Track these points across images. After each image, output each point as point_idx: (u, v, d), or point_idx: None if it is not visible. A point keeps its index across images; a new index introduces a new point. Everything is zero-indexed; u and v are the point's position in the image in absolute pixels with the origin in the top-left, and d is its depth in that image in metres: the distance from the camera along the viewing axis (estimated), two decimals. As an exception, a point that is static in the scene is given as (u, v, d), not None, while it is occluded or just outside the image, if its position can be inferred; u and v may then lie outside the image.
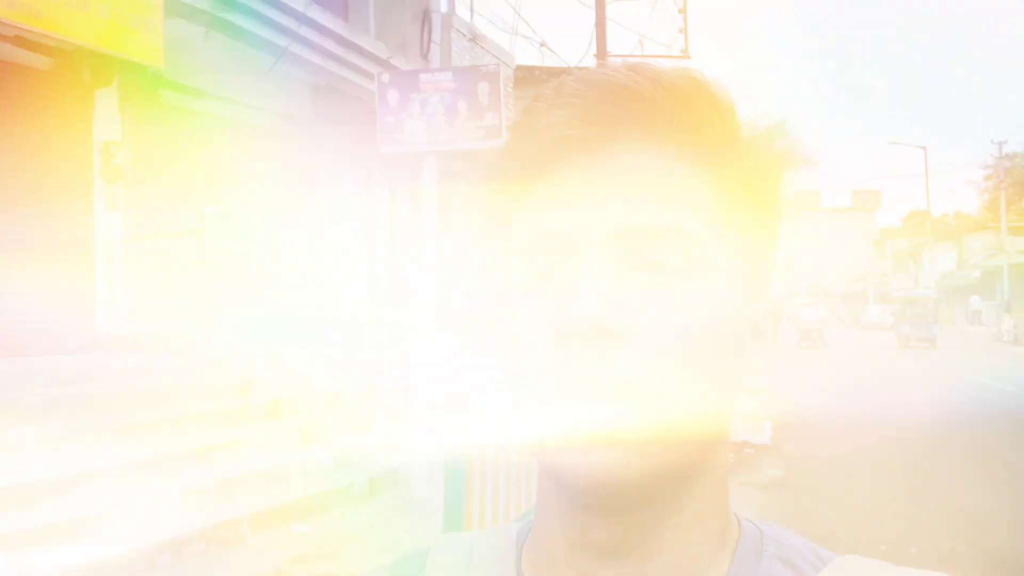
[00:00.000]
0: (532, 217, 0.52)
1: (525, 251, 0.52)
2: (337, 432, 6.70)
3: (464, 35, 12.49)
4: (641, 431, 0.47)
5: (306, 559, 4.74)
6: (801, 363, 21.04)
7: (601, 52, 13.27)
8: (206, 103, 8.54)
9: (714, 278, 0.50)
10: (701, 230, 0.50)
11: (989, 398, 13.51)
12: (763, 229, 0.55)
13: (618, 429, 0.46)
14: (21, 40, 6.64)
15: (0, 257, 6.81)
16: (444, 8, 11.26)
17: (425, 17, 6.48)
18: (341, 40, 8.53)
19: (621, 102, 0.50)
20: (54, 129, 7.28)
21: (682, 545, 0.52)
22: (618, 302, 0.48)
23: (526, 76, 13.74)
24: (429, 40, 6.38)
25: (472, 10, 12.80)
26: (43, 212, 7.16)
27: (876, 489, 7.15)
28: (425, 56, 6.57)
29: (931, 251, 49.55)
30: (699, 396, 0.49)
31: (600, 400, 0.47)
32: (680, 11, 14.12)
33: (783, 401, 14.22)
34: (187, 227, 7.59)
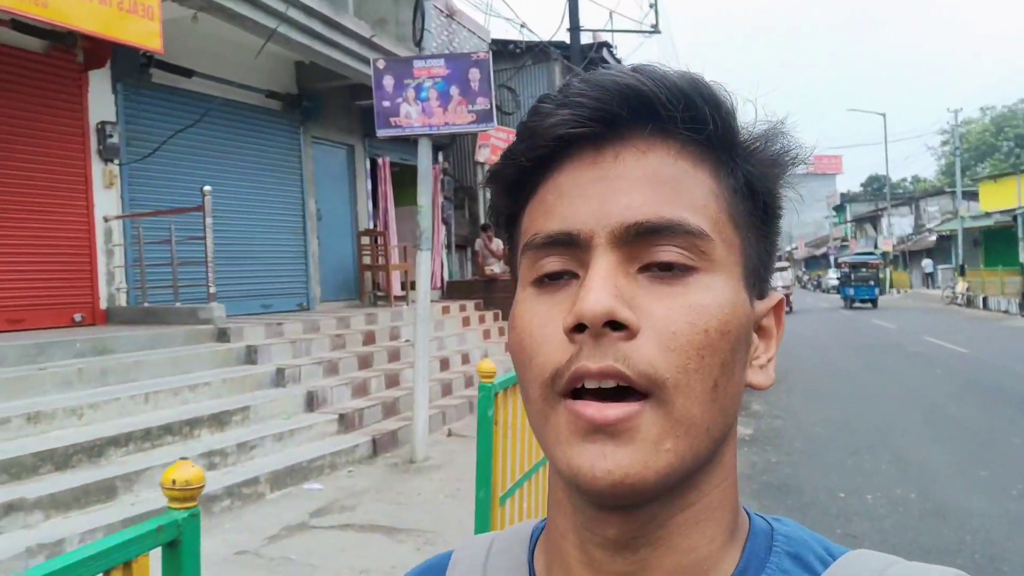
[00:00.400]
0: (541, 218, 0.53)
1: (535, 247, 0.53)
2: (338, 398, 7.10)
3: (441, 11, 12.72)
4: (653, 429, 0.47)
5: (325, 512, 5.16)
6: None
7: (573, 26, 13.57)
8: (195, 82, 8.74)
9: (719, 276, 0.51)
10: (705, 228, 0.51)
11: (940, 358, 14.26)
12: (762, 229, 0.56)
13: (632, 428, 0.47)
14: (17, 23, 6.82)
15: (3, 237, 7.04)
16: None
17: (418, 5, 6.72)
18: (327, 21, 8.75)
19: (626, 102, 0.50)
20: (49, 110, 7.46)
21: (692, 538, 0.52)
22: (628, 297, 0.48)
23: (501, 51, 14.00)
24: (422, 28, 6.66)
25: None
26: (41, 192, 7.37)
27: (836, 444, 7.74)
28: (418, 44, 6.84)
29: (889, 216, 50.69)
30: (708, 391, 0.49)
31: (613, 405, 0.47)
32: (651, 5, 14.35)
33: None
34: (186, 204, 7.85)
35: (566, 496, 0.54)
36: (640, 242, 0.50)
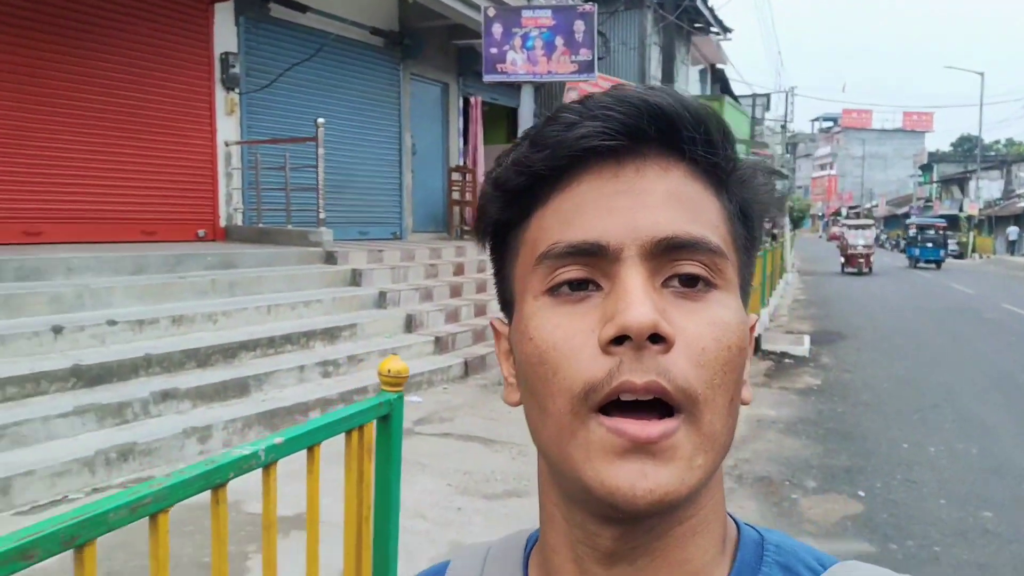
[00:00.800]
0: (559, 228, 0.52)
1: (555, 256, 0.52)
2: (433, 322, 7.69)
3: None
4: (688, 446, 0.48)
5: (426, 421, 5.77)
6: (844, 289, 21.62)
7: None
8: (308, 17, 9.23)
9: (731, 293, 0.53)
10: (721, 246, 0.52)
11: (1015, 326, 14.16)
12: (749, 255, 0.57)
13: (672, 446, 0.47)
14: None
15: (135, 151, 7.74)
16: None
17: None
18: (434, -40, 9.08)
19: (654, 120, 0.51)
20: (179, 40, 8.07)
21: (688, 550, 0.53)
22: (660, 311, 0.48)
23: None
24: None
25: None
26: (173, 116, 8.04)
27: (903, 400, 8.00)
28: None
29: (978, 178, 48.79)
30: (727, 406, 0.50)
31: (656, 422, 0.47)
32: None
33: (821, 317, 15.06)
34: (295, 134, 8.43)
35: (560, 511, 0.54)
36: (665, 257, 0.50)
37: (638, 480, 0.47)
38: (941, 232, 33.22)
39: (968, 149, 66.40)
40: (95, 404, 4.57)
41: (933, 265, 32.03)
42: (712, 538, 0.54)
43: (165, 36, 7.89)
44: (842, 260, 28.09)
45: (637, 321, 0.46)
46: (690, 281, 0.51)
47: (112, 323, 5.32)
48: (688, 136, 0.52)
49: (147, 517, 1.29)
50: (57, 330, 5.00)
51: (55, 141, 7.14)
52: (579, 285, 0.51)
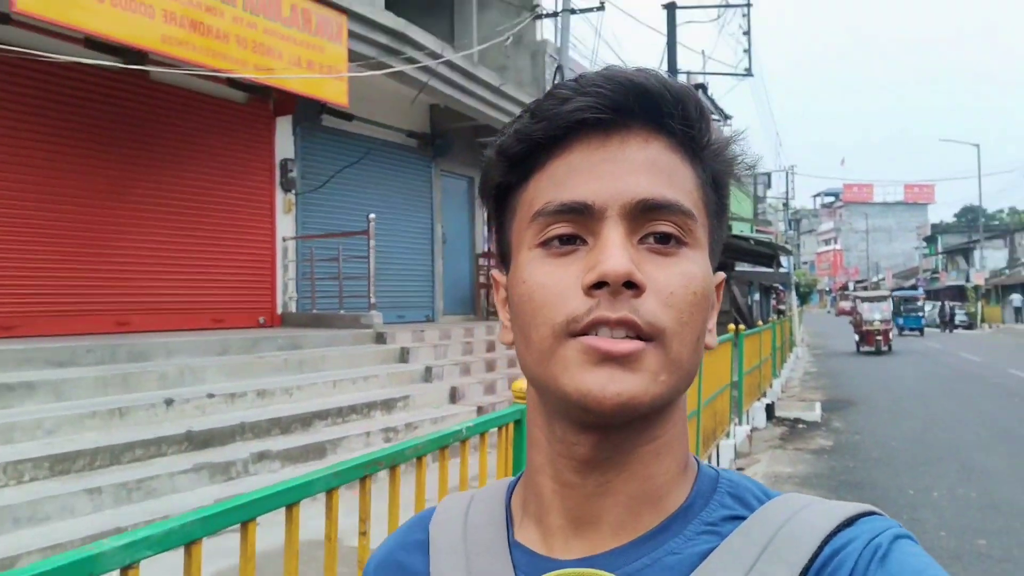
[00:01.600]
0: (552, 189, 0.59)
1: (547, 214, 0.59)
2: (473, 394, 8.48)
3: (554, 58, 14.17)
4: (654, 364, 0.56)
5: (475, 479, 6.50)
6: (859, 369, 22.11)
7: (671, 69, 14.77)
8: (354, 124, 10.36)
9: (700, 251, 0.60)
10: (692, 210, 0.59)
11: (1021, 389, 14.78)
12: (719, 219, 0.65)
13: (638, 360, 0.55)
14: (230, 81, 8.51)
15: (207, 249, 8.72)
16: (539, 37, 12.99)
17: (558, 71, 8.10)
18: (466, 73, 10.25)
19: (638, 97, 0.58)
20: (246, 149, 9.15)
21: (652, 467, 0.60)
22: (636, 263, 0.56)
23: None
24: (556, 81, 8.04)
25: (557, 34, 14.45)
26: (239, 216, 9.06)
27: (909, 455, 8.67)
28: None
29: (982, 248, 49.73)
30: (695, 341, 0.58)
31: (626, 341, 0.55)
32: (745, 33, 15.49)
33: (832, 387, 15.69)
34: (341, 229, 9.42)
35: (543, 433, 0.62)
36: (643, 217, 0.58)
37: (608, 383, 0.54)
38: (920, 303, 36.66)
39: (971, 219, 67.56)
40: (207, 463, 5.36)
41: (916, 332, 34.66)
42: (674, 461, 0.61)
43: (235, 147, 8.97)
44: (856, 337, 25.88)
45: (614, 270, 0.54)
46: (663, 238, 0.58)
47: (211, 396, 6.15)
48: (668, 112, 0.59)
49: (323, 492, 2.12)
50: (168, 402, 5.83)
51: (142, 241, 8.12)
52: (568, 240, 0.58)
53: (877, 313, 25.02)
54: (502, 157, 0.62)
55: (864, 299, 26.52)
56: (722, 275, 0.66)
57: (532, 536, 0.64)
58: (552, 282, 0.57)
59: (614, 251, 0.55)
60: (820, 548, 0.55)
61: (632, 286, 0.55)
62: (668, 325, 0.56)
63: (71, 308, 7.52)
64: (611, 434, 0.59)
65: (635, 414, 0.56)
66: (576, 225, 0.58)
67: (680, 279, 0.57)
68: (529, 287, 0.59)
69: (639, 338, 0.55)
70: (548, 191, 0.59)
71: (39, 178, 7.29)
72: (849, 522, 0.56)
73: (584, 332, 0.55)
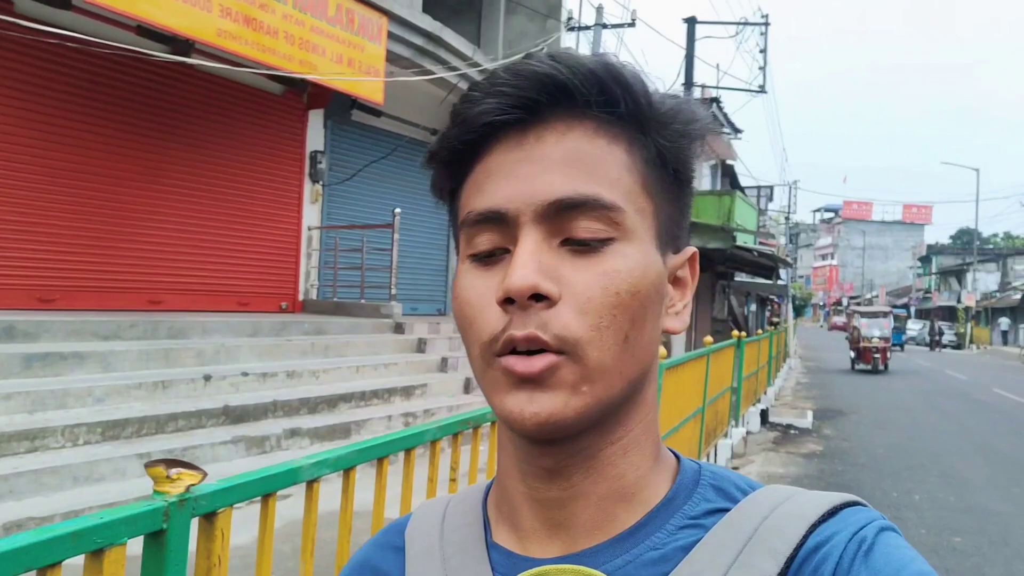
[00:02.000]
0: (474, 196, 0.58)
1: (469, 224, 0.58)
2: (486, 385, 8.87)
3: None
4: (571, 376, 0.54)
5: (478, 467, 6.90)
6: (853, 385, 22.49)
7: (687, 82, 15.18)
8: (382, 120, 10.74)
9: (631, 243, 0.57)
10: (618, 199, 0.56)
11: (1003, 407, 15.25)
12: (675, 191, 0.62)
13: (552, 376, 0.54)
14: (272, 77, 8.89)
15: (236, 234, 9.09)
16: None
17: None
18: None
19: (544, 89, 0.56)
20: (279, 139, 9.54)
21: (619, 467, 0.59)
22: (550, 271, 0.54)
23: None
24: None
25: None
26: (268, 204, 9.44)
27: (893, 461, 9.10)
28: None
29: (975, 271, 50.34)
30: (620, 343, 0.55)
31: (537, 358, 0.54)
32: (761, 51, 15.89)
33: (822, 397, 16.14)
34: (363, 221, 9.81)
35: (508, 438, 0.61)
36: (561, 217, 0.55)
37: (526, 405, 0.54)
38: (904, 320, 38.99)
39: (967, 242, 68.18)
40: (243, 436, 5.75)
41: (897, 348, 34.73)
42: (643, 456, 0.61)
43: (268, 137, 9.35)
44: (852, 354, 24.16)
45: (516, 285, 0.53)
46: (581, 239, 0.56)
47: (245, 374, 6.54)
48: (583, 98, 0.56)
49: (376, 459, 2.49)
50: (207, 378, 6.22)
51: (175, 223, 8.49)
52: (492, 251, 0.57)
53: (876, 330, 23.34)
54: (434, 161, 0.62)
55: (863, 314, 24.76)
56: (691, 249, 0.65)
57: (508, 538, 0.63)
58: (476, 297, 0.57)
59: (519, 263, 0.54)
60: (804, 538, 0.55)
61: (543, 298, 0.54)
62: (582, 335, 0.54)
63: (108, 285, 7.89)
64: (567, 443, 0.58)
65: (565, 431, 0.56)
66: (497, 234, 0.57)
67: (599, 281, 0.55)
68: (459, 303, 0.59)
69: (554, 351, 0.54)
70: (471, 198, 0.59)
71: (80, 158, 7.65)
72: (833, 512, 0.56)
73: (504, 351, 0.55)
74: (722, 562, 0.55)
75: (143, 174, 8.22)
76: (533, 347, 0.54)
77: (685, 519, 0.59)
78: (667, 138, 0.59)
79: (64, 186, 7.52)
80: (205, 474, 1.34)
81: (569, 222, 0.55)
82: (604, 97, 0.56)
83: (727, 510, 0.59)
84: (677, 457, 0.65)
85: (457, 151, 0.59)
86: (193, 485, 1.32)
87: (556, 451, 0.58)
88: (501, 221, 0.56)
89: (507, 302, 0.54)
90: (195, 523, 1.40)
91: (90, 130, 7.70)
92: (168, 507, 1.29)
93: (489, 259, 0.57)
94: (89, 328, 6.30)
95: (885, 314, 25.03)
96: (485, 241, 0.57)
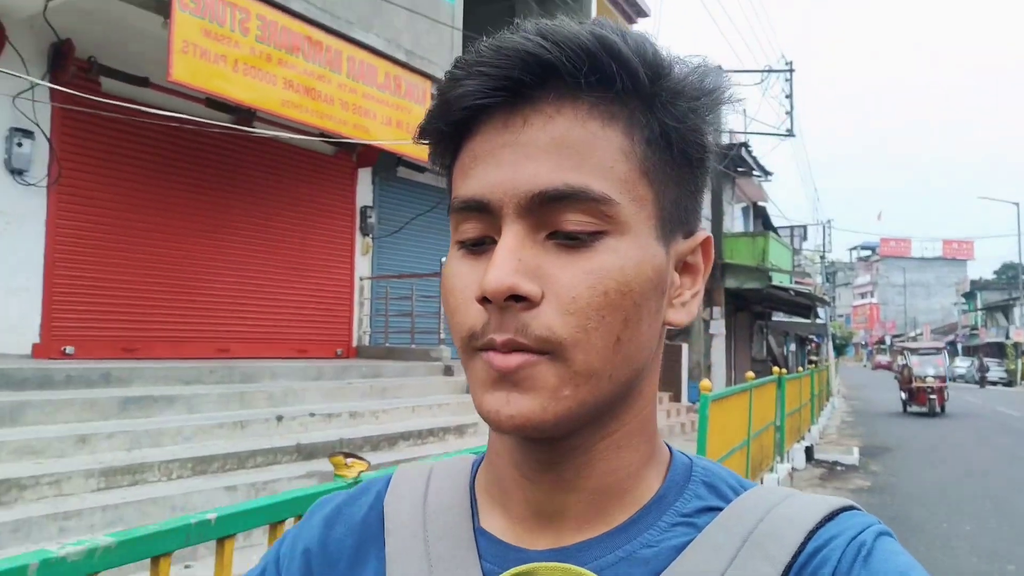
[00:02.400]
0: (460, 181, 0.55)
1: (455, 211, 0.55)
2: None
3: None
4: (552, 379, 0.51)
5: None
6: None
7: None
8: (425, 175, 11.31)
9: (624, 236, 0.53)
10: (610, 190, 0.52)
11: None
12: (682, 172, 0.57)
13: (530, 377, 0.51)
14: (323, 137, 9.50)
15: (294, 286, 9.63)
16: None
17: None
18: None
19: (528, 68, 0.51)
20: (332, 196, 10.12)
21: (612, 462, 0.57)
22: (533, 267, 0.51)
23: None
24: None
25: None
26: (324, 256, 9.98)
27: (945, 494, 9.18)
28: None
29: (1022, 305, 49.46)
30: (611, 345, 0.52)
31: (515, 354, 0.51)
32: (787, 96, 16.29)
33: (868, 435, 16.10)
34: (418, 270, 10.29)
35: None
36: (546, 209, 0.51)
37: (502, 406, 0.52)
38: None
39: (1012, 276, 67.03)
40: (315, 471, 6.13)
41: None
42: (636, 452, 0.58)
43: (321, 194, 9.94)
44: (903, 395, 21.90)
45: (492, 287, 0.50)
46: (569, 233, 0.52)
47: (312, 415, 6.97)
48: (571, 78, 0.51)
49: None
50: (279, 419, 6.65)
51: (240, 278, 9.05)
52: (478, 240, 0.54)
53: (931, 368, 21.21)
54: (425, 139, 0.59)
55: (914, 351, 22.78)
56: (704, 233, 0.61)
57: (498, 524, 0.61)
58: (460, 288, 0.55)
59: (496, 262, 0.51)
60: (803, 544, 0.53)
61: (521, 298, 0.51)
62: (566, 336, 0.51)
63: (181, 335, 8.43)
64: (557, 440, 0.56)
65: (544, 434, 0.53)
66: (483, 223, 0.54)
67: (587, 279, 0.52)
68: (445, 292, 0.57)
69: (533, 352, 0.51)
70: (458, 181, 0.56)
71: (154, 218, 8.26)
72: (830, 516, 0.55)
73: (485, 347, 0.53)
74: (717, 565, 0.54)
75: (210, 232, 8.80)
76: (512, 350, 0.52)
77: (677, 516, 0.58)
78: (672, 117, 0.55)
79: (142, 245, 8.12)
80: (370, 464, 1.73)
81: (555, 215, 0.52)
82: (597, 76, 0.52)
83: (719, 509, 0.58)
84: (670, 450, 0.63)
85: (443, 132, 0.56)
86: (363, 471, 1.72)
87: (547, 447, 0.56)
88: (485, 210, 0.53)
89: (485, 302, 0.52)
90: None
91: (163, 193, 8.32)
92: (347, 486, 1.69)
93: (477, 247, 0.55)
94: (175, 374, 6.79)
95: (938, 350, 23.11)
96: (471, 229, 0.55)
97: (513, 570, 0.56)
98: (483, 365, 0.53)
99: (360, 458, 1.69)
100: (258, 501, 1.64)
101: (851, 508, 0.56)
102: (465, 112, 0.54)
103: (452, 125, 0.55)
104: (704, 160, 0.59)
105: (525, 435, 0.54)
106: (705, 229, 0.61)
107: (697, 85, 0.56)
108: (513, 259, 0.51)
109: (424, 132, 0.58)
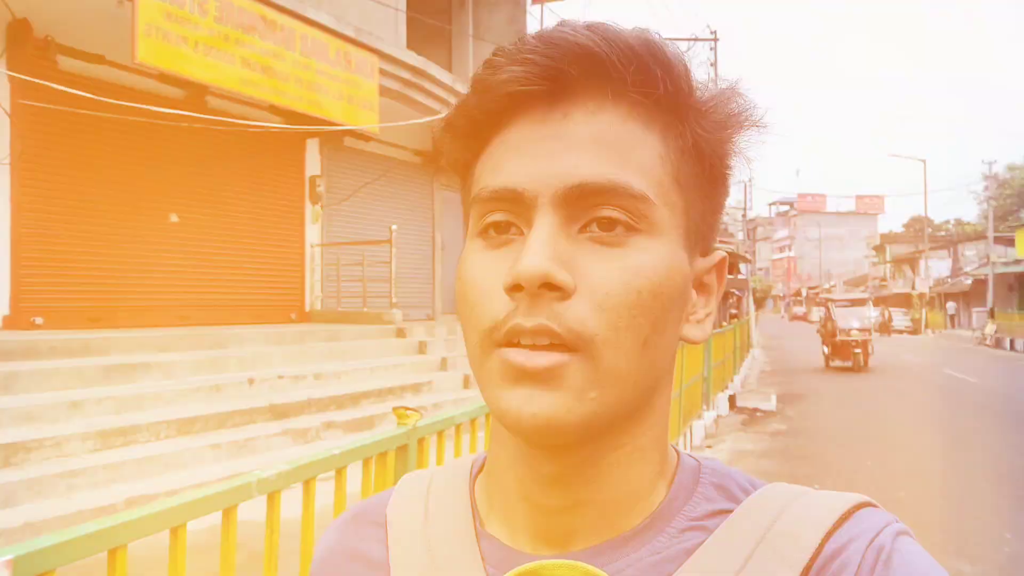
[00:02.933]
0: (489, 172, 0.53)
1: (482, 200, 0.53)
2: (484, 381, 9.85)
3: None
4: (579, 378, 0.49)
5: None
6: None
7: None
8: (371, 144, 11.68)
9: (657, 239, 0.52)
10: (648, 190, 0.51)
11: (949, 384, 16.62)
12: (709, 187, 0.57)
13: (558, 376, 0.49)
14: (274, 109, 9.77)
15: (249, 255, 9.97)
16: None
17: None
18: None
19: (578, 61, 0.50)
20: (280, 166, 10.43)
21: (623, 475, 0.55)
22: (567, 258, 0.50)
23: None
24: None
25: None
26: (276, 225, 10.33)
27: (850, 434, 10.27)
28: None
29: (927, 259, 52.37)
30: (638, 347, 0.51)
31: (542, 349, 0.49)
32: (711, 64, 17.08)
33: (784, 383, 17.33)
34: (368, 237, 10.74)
35: (508, 435, 0.56)
36: (583, 203, 0.51)
37: (524, 404, 0.49)
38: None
39: (919, 229, 70.33)
40: (290, 429, 6.66)
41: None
42: (649, 465, 0.56)
43: (272, 165, 10.24)
44: (825, 349, 20.56)
45: (527, 272, 0.48)
46: (608, 225, 0.51)
47: (281, 377, 7.45)
48: (619, 76, 0.51)
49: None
50: (251, 381, 7.11)
51: (197, 248, 9.35)
52: (503, 229, 0.53)
53: (855, 320, 19.68)
54: (449, 132, 0.57)
55: (839, 303, 21.29)
56: (720, 253, 0.60)
57: (500, 529, 0.59)
58: (482, 279, 0.53)
59: (532, 249, 0.49)
60: (821, 546, 0.52)
61: (555, 289, 0.49)
62: (598, 332, 0.49)
63: (143, 304, 8.73)
64: (566, 451, 0.53)
65: (565, 438, 0.51)
66: (512, 214, 0.53)
67: (621, 275, 0.50)
68: (463, 284, 0.54)
69: (563, 347, 0.49)
70: (486, 174, 0.54)
71: (114, 192, 8.49)
72: (847, 515, 0.53)
73: (506, 342, 0.51)
74: (730, 568, 0.52)
75: (167, 204, 9.06)
76: (540, 340, 0.49)
77: (687, 521, 0.56)
78: (706, 128, 0.55)
79: (103, 218, 8.36)
80: (422, 415, 2.31)
81: (592, 209, 0.51)
82: (642, 77, 0.52)
83: (730, 511, 0.56)
84: (679, 454, 0.62)
85: (476, 121, 0.55)
86: (418, 422, 2.29)
87: (558, 458, 0.54)
88: (517, 201, 0.52)
89: (515, 290, 0.50)
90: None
91: (122, 167, 8.54)
92: (408, 432, 2.26)
93: (498, 238, 0.53)
94: (149, 342, 7.16)
95: (863, 302, 21.60)
96: (497, 215, 0.53)
97: (519, 568, 0.54)
98: (501, 361, 0.51)
99: (415, 410, 2.24)
100: (354, 441, 2.18)
101: (867, 504, 0.55)
102: (505, 99, 0.53)
103: (488, 113, 0.54)
104: (727, 179, 0.59)
105: (545, 439, 0.51)
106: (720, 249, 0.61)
107: (729, 103, 0.57)
108: (549, 247, 0.49)
109: (453, 122, 0.57)
